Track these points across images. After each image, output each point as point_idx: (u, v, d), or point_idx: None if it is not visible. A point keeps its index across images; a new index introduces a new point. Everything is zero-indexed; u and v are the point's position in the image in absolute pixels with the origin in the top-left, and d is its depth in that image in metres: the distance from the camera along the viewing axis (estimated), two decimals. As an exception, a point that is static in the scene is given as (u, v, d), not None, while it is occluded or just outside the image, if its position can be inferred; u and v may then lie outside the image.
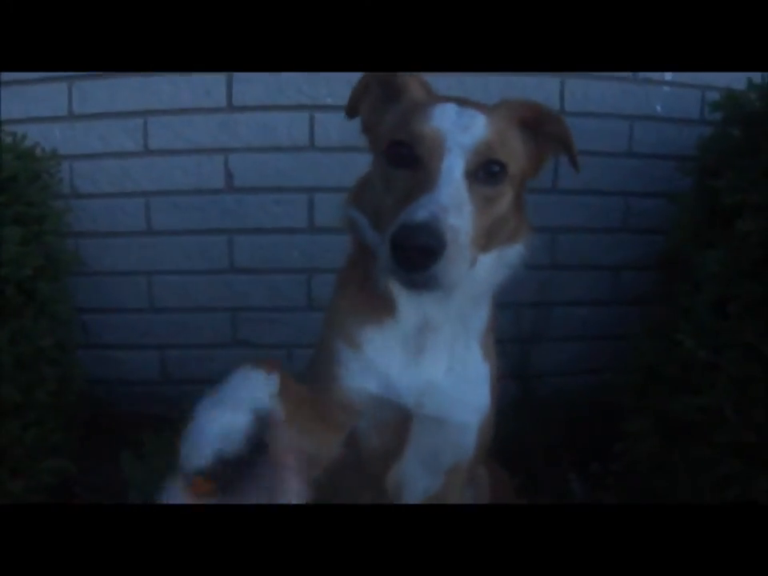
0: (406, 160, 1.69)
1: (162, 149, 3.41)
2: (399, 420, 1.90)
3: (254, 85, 3.31)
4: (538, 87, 3.35)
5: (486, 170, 1.68)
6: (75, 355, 3.25)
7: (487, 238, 1.72)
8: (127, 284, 3.56)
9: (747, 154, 2.59)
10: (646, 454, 2.83)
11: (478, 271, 1.75)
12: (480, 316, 1.94)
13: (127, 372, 3.65)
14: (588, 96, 3.45)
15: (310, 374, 2.02)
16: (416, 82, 1.87)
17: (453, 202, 1.57)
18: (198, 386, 3.45)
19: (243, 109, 3.36)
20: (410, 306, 1.87)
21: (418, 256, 1.48)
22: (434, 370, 1.89)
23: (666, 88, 3.47)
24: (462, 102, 1.78)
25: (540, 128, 1.88)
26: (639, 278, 3.54)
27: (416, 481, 2.01)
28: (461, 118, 1.71)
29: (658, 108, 3.49)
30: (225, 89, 3.34)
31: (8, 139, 2.99)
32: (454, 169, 1.63)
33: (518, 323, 3.58)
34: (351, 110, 1.96)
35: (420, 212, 1.51)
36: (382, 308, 1.90)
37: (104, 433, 3.36)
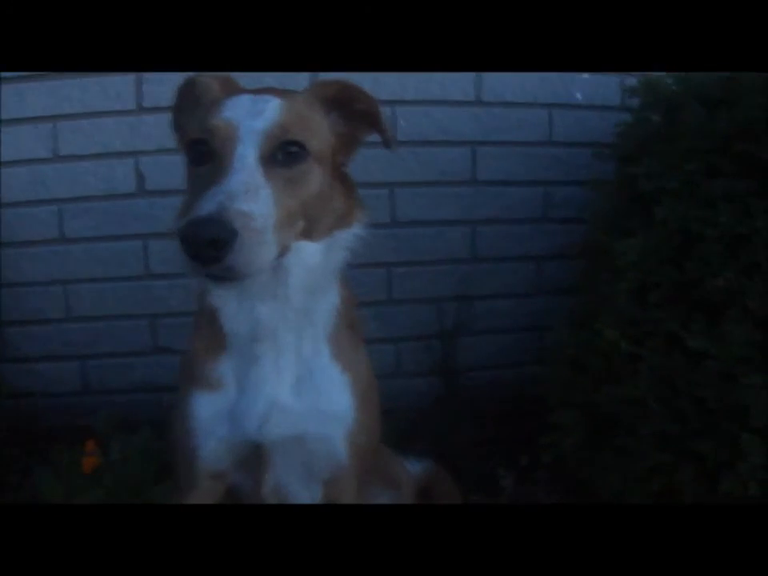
0: (204, 156, 1.64)
1: (72, 154, 3.30)
2: (255, 452, 1.87)
3: (164, 86, 3.20)
4: (455, 79, 3.32)
5: (283, 152, 1.63)
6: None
7: (307, 222, 1.68)
8: (44, 294, 3.44)
9: (665, 139, 2.58)
10: (574, 446, 2.78)
11: (308, 259, 1.73)
12: (323, 310, 1.87)
13: (47, 384, 3.53)
14: (506, 86, 3.42)
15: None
16: (217, 82, 1.82)
17: (244, 188, 1.52)
18: (119, 396, 3.42)
19: (153, 110, 3.25)
20: (238, 319, 1.81)
21: (208, 248, 1.43)
22: (277, 386, 1.84)
23: (585, 75, 3.44)
24: (265, 91, 1.75)
25: (349, 106, 1.83)
26: (562, 268, 3.49)
27: (295, 495, 1.96)
28: (254, 105, 1.67)
29: (578, 96, 3.47)
30: (134, 90, 3.26)
31: None
32: (246, 156, 1.58)
33: (440, 318, 3.54)
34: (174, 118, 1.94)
35: (205, 205, 1.47)
36: (221, 336, 1.86)
37: (25, 448, 3.25)
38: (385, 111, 1.88)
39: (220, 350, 1.86)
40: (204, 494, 1.94)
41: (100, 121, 3.27)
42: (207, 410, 1.86)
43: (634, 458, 2.44)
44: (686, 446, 2.28)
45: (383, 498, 2.28)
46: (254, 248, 1.48)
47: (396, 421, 3.16)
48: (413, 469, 2.64)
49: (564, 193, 3.54)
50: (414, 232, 3.48)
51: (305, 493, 1.97)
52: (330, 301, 1.87)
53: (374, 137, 1.86)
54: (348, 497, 1.96)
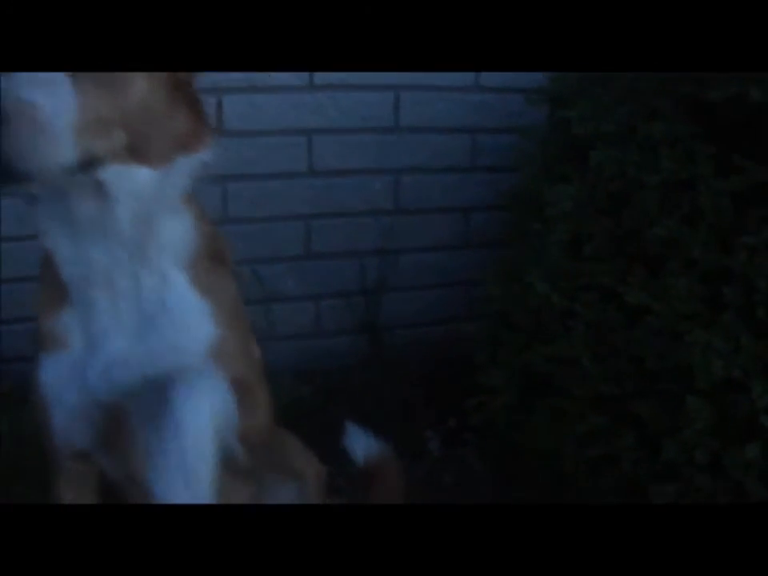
0: None
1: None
2: (110, 413, 1.67)
3: None
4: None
5: None
6: None
7: (132, 138, 1.50)
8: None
9: (599, 81, 2.48)
10: (504, 408, 2.68)
11: (140, 187, 1.54)
12: (167, 243, 1.67)
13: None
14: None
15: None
16: None
17: (33, 79, 1.37)
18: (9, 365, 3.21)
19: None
20: (71, 262, 1.61)
21: None
22: (119, 333, 1.64)
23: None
24: None
25: None
26: (490, 219, 3.39)
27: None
28: None
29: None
30: None
31: None
32: None
33: (362, 273, 3.42)
34: None
35: None
36: (62, 285, 1.67)
37: None
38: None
39: (62, 303, 1.67)
40: (72, 478, 1.79)
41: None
42: (52, 374, 1.68)
43: (569, 422, 2.34)
44: (624, 409, 2.19)
45: (282, 490, 2.11)
46: (33, 139, 1.34)
47: (318, 382, 3.07)
48: (363, 447, 2.51)
49: (493, 140, 3.42)
50: (333, 182, 3.33)
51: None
52: (176, 232, 1.68)
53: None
54: (246, 397, 1.71)
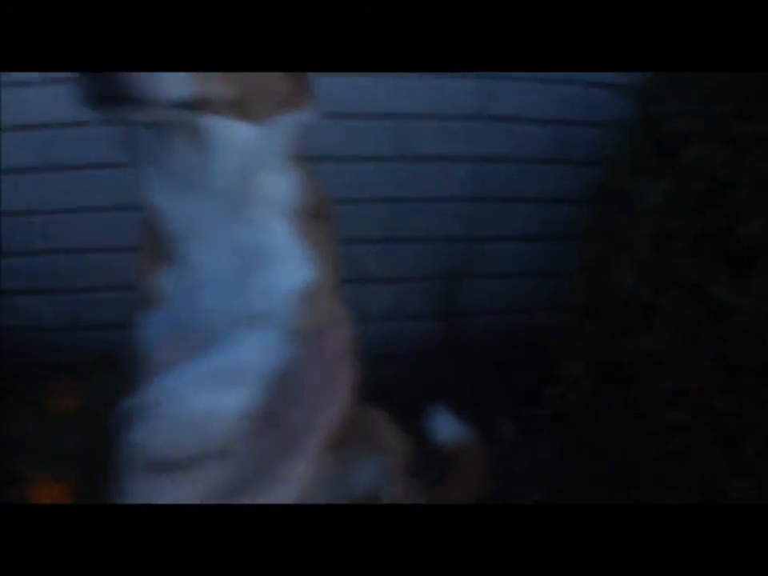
0: None
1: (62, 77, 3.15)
2: None
3: None
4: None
5: None
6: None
7: (236, 94, 1.55)
8: (20, 224, 3.30)
9: (690, 79, 2.47)
10: (580, 398, 2.69)
11: (240, 142, 1.59)
12: (273, 192, 1.71)
13: (24, 318, 3.40)
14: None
15: None
16: None
17: None
18: (100, 332, 3.31)
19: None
20: (170, 217, 1.67)
21: None
22: (217, 290, 1.68)
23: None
24: None
25: None
26: (574, 212, 3.37)
27: None
28: None
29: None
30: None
31: None
32: None
33: (445, 259, 3.45)
34: None
35: None
36: (162, 241, 1.72)
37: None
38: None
39: (161, 262, 1.72)
40: None
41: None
42: (153, 331, 1.73)
43: (649, 415, 2.37)
44: (706, 404, 2.20)
45: (366, 462, 2.14)
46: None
47: (396, 364, 3.11)
48: (448, 430, 2.53)
49: (579, 133, 3.42)
50: (420, 168, 3.37)
51: None
52: (279, 188, 1.72)
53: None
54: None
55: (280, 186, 1.71)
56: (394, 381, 3.01)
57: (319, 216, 1.79)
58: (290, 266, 1.71)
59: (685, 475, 2.29)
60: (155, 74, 1.40)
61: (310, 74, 1.71)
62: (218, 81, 1.51)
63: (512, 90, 3.36)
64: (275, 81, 1.62)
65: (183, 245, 1.67)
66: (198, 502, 1.52)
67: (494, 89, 3.34)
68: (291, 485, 1.67)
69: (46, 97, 3.15)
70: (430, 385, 3.18)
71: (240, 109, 1.56)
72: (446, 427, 2.53)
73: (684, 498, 2.28)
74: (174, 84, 1.43)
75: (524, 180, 3.48)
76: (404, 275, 3.48)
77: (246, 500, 1.54)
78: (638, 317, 2.39)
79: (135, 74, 1.37)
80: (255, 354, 1.62)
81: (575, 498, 2.68)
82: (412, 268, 3.48)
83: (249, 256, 1.68)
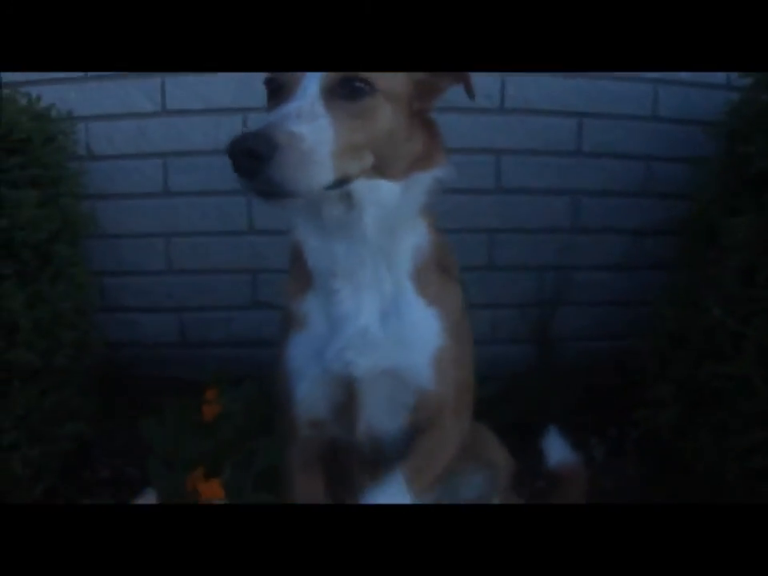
0: (277, 93, 1.69)
1: (179, 109, 3.38)
2: (346, 391, 1.91)
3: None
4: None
5: (348, 86, 1.65)
6: (93, 319, 3.22)
7: (379, 159, 1.71)
8: (145, 246, 3.54)
9: None
10: (668, 420, 2.80)
11: (384, 198, 1.76)
12: (405, 249, 1.88)
13: (145, 335, 3.64)
14: (614, 58, 3.39)
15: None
16: None
17: (297, 112, 1.58)
18: (216, 349, 3.50)
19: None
20: (318, 255, 1.86)
21: (246, 160, 1.49)
22: (359, 321, 1.87)
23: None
24: None
25: None
26: (660, 243, 3.50)
27: (387, 432, 1.99)
28: None
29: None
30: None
31: (23, 101, 2.95)
32: (308, 87, 1.63)
33: (539, 287, 3.57)
34: None
35: (258, 126, 1.54)
36: (308, 273, 1.91)
37: (122, 397, 3.35)
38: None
39: (307, 287, 1.92)
40: (305, 445, 2.01)
41: (207, 76, 3.33)
42: (297, 350, 1.92)
43: (734, 436, 2.45)
44: None
45: (476, 476, 2.29)
46: (298, 166, 1.52)
47: (492, 386, 3.21)
48: (559, 452, 2.66)
49: (666, 168, 3.52)
50: (517, 199, 3.51)
51: (396, 429, 1.99)
52: (412, 240, 1.88)
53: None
54: (443, 431, 1.97)
55: (413, 238, 1.89)
56: (491, 401, 3.10)
57: (443, 268, 1.96)
58: (422, 325, 1.90)
59: (766, 493, 2.38)
60: (301, 167, 1.53)
61: (442, 137, 1.86)
62: (357, 155, 1.67)
63: (601, 128, 3.48)
64: (411, 143, 1.78)
65: (327, 280, 1.86)
66: None
67: (585, 126, 3.47)
68: None
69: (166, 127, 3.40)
70: (524, 406, 3.31)
71: (380, 171, 1.73)
72: (558, 451, 2.66)
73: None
74: (319, 174, 1.57)
75: (613, 212, 3.58)
76: (500, 301, 3.62)
77: None
78: (727, 344, 2.48)
79: (284, 171, 1.50)
80: None
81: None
82: (508, 295, 3.61)
83: (387, 302, 1.88)
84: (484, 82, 3.29)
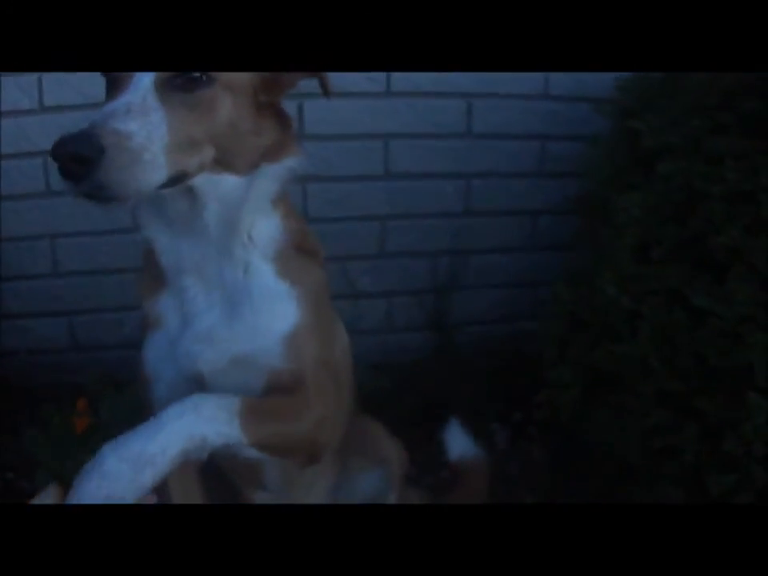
0: (111, 85, 1.60)
1: (57, 104, 3.25)
2: (195, 384, 1.81)
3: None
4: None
5: (184, 78, 1.58)
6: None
7: (221, 153, 1.65)
8: (29, 249, 3.41)
9: (666, 94, 2.55)
10: (569, 403, 2.77)
11: (226, 193, 1.70)
12: (258, 235, 1.81)
13: (35, 341, 3.50)
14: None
15: None
16: None
17: (126, 108, 1.49)
18: (109, 352, 3.38)
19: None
20: (167, 253, 1.78)
21: (72, 164, 1.41)
22: (207, 317, 1.80)
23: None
24: None
25: None
26: (557, 223, 3.49)
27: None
28: None
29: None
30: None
31: None
32: (141, 78, 1.55)
33: (433, 272, 3.54)
34: None
35: (82, 125, 1.46)
36: (161, 271, 1.84)
37: (13, 407, 3.23)
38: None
39: (161, 287, 1.84)
40: None
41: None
42: (153, 352, 1.85)
43: (634, 416, 2.44)
44: (688, 404, 2.27)
45: (366, 474, 2.24)
46: (127, 167, 1.45)
47: (389, 375, 3.18)
48: (461, 446, 2.63)
49: (560, 147, 3.52)
50: (407, 185, 3.46)
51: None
52: (264, 231, 1.82)
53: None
54: (301, 398, 1.84)
55: (265, 228, 1.81)
56: (388, 391, 3.07)
57: (305, 250, 1.89)
58: (276, 308, 1.81)
59: (670, 473, 2.37)
60: (130, 168, 1.45)
61: (294, 128, 1.81)
62: (195, 150, 1.59)
63: (492, 108, 3.45)
64: (257, 136, 1.71)
65: (178, 277, 1.79)
66: None
67: (475, 107, 3.43)
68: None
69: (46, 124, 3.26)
70: (422, 394, 3.26)
71: (223, 165, 1.66)
72: (459, 444, 2.63)
73: (669, 495, 2.37)
74: (150, 173, 1.49)
75: (507, 194, 3.57)
76: (395, 289, 3.57)
77: None
78: (622, 324, 2.46)
79: (112, 173, 1.42)
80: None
81: (567, 498, 2.76)
82: (402, 282, 3.57)
83: (236, 294, 1.80)
84: (369, 64, 3.22)
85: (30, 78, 3.19)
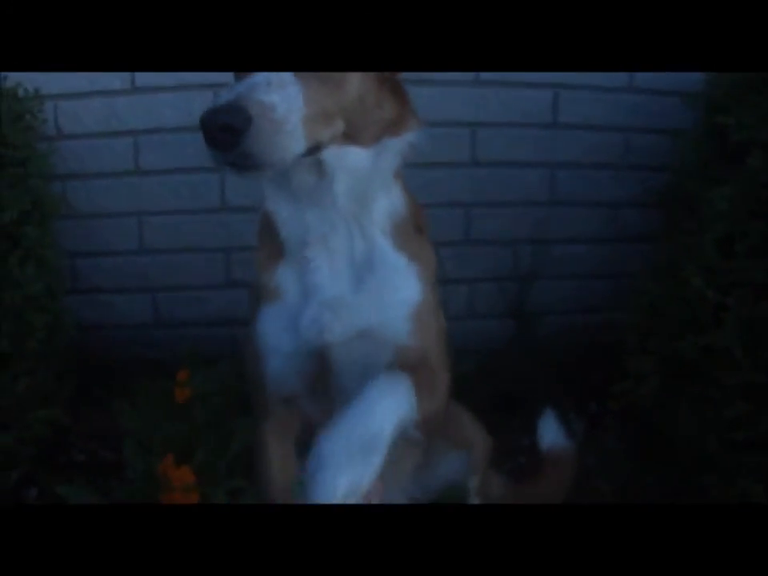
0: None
1: (148, 86, 3.32)
2: (318, 358, 1.88)
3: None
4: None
5: None
6: (64, 301, 3.17)
7: (349, 126, 1.69)
8: (116, 226, 3.48)
9: (756, 89, 2.52)
10: (649, 394, 2.79)
11: (354, 165, 1.74)
12: (380, 208, 1.85)
13: (119, 316, 3.59)
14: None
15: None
16: None
17: (267, 81, 1.54)
18: (191, 329, 3.46)
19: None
20: (290, 225, 1.84)
21: (222, 134, 1.46)
22: (333, 288, 1.85)
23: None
24: None
25: None
26: (639, 216, 3.50)
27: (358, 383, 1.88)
28: None
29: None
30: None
31: (-12, 81, 2.89)
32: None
33: (515, 261, 3.57)
34: None
35: (226, 95, 1.50)
36: (279, 244, 1.89)
37: (97, 380, 3.30)
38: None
39: (279, 258, 1.89)
40: (279, 422, 1.98)
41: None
42: (270, 325, 1.90)
43: (715, 408, 2.44)
44: None
45: (453, 456, 2.29)
46: (272, 136, 1.50)
47: (469, 362, 3.20)
48: (553, 435, 2.68)
49: (643, 140, 3.50)
50: (493, 172, 3.48)
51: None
52: (387, 203, 1.87)
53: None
54: (432, 378, 1.90)
55: (387, 202, 1.86)
56: (470, 377, 3.09)
57: (418, 228, 1.94)
58: (399, 282, 1.86)
59: (749, 466, 2.37)
60: (275, 138, 1.50)
61: (414, 106, 1.85)
62: (328, 122, 1.64)
63: (578, 100, 3.45)
64: (381, 110, 1.76)
65: (300, 248, 1.84)
66: None
67: (561, 98, 3.44)
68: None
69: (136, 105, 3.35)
70: (502, 381, 3.30)
71: (351, 138, 1.71)
72: (551, 434, 2.69)
73: (747, 488, 2.37)
74: (289, 144, 1.54)
75: (590, 185, 3.57)
76: (477, 276, 3.60)
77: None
78: (707, 315, 2.47)
79: (259, 142, 1.48)
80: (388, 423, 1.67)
81: (643, 489, 2.78)
82: (485, 269, 3.59)
83: (361, 266, 1.85)
84: (459, 53, 3.23)
85: (123, 59, 3.26)
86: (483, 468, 2.36)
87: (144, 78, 3.30)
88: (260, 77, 1.54)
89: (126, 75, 3.29)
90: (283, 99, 1.53)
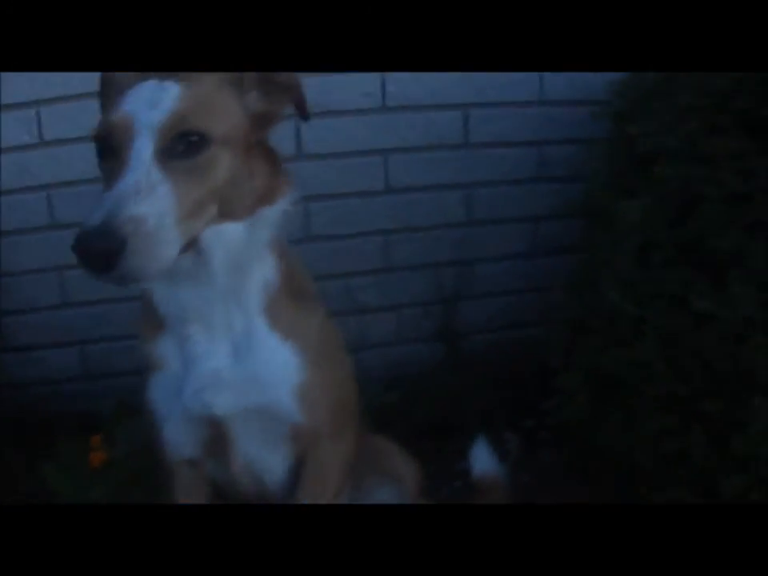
0: (108, 154, 1.60)
1: (58, 138, 3.24)
2: (215, 430, 1.90)
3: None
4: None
5: (183, 143, 1.57)
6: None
7: (222, 205, 1.66)
8: (39, 281, 3.40)
9: (661, 97, 2.54)
10: (578, 410, 2.77)
11: (230, 240, 1.71)
12: (255, 285, 1.84)
13: (48, 371, 3.51)
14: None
15: None
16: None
17: (135, 188, 1.48)
18: (121, 380, 3.39)
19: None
20: (168, 303, 1.82)
21: (98, 260, 1.43)
22: (213, 361, 1.84)
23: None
24: (175, 76, 1.68)
25: (268, 82, 1.76)
26: (560, 228, 3.48)
27: (267, 466, 2.00)
28: (153, 94, 1.62)
29: (567, 53, 3.43)
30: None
31: None
32: (141, 151, 1.54)
33: (439, 283, 3.53)
34: None
35: (95, 214, 1.44)
36: (160, 317, 1.88)
37: (27, 439, 3.20)
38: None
39: (160, 330, 1.87)
40: (183, 483, 2.00)
41: (82, 102, 3.14)
42: (158, 392, 1.90)
43: (642, 421, 2.44)
44: (694, 407, 2.27)
45: (381, 491, 2.27)
46: (147, 252, 1.46)
47: (400, 388, 3.18)
48: (484, 463, 2.68)
49: (558, 152, 3.50)
50: (408, 198, 3.45)
51: (276, 462, 2.00)
52: (261, 276, 1.84)
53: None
54: (325, 455, 1.97)
55: (262, 273, 1.84)
56: (398, 405, 3.08)
57: (297, 294, 1.93)
58: (278, 361, 1.87)
59: (680, 475, 2.37)
60: (151, 250, 1.46)
61: (286, 168, 1.83)
62: (202, 211, 1.61)
63: (488, 117, 3.44)
64: (252, 180, 1.72)
65: (179, 324, 1.82)
66: None
67: (471, 117, 3.43)
68: None
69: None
70: (433, 406, 3.26)
71: (225, 215, 1.67)
72: (482, 461, 2.68)
73: (680, 497, 2.36)
74: (166, 252, 1.50)
75: (508, 202, 3.56)
76: (401, 302, 3.57)
77: None
78: (626, 329, 2.46)
79: (135, 260, 1.43)
80: None
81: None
82: (408, 294, 3.56)
83: (241, 342, 1.84)
84: (363, 80, 3.24)
85: (28, 113, 3.19)
86: (415, 497, 2.33)
87: (51, 130, 3.22)
88: (127, 184, 1.48)
89: (33, 128, 3.21)
90: (154, 206, 1.48)
